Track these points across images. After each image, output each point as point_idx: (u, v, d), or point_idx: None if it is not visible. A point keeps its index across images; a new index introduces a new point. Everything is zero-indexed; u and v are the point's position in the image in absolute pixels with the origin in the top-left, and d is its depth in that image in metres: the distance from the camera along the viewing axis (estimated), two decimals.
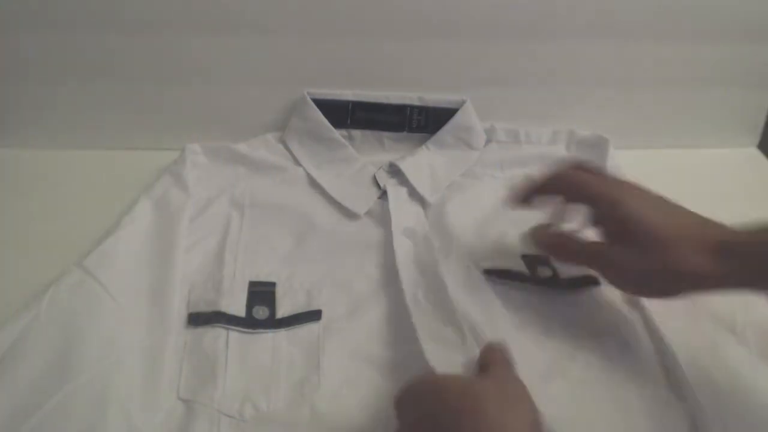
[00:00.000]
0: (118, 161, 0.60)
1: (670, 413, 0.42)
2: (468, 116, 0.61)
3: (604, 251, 0.43)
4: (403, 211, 0.55)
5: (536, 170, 0.59)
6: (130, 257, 0.48)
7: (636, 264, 0.41)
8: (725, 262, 0.38)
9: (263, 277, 0.48)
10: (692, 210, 0.43)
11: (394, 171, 0.58)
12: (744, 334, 0.46)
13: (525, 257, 0.51)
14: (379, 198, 0.56)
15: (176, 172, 0.55)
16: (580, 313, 0.48)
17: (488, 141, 0.62)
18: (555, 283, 0.50)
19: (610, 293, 0.49)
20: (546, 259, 0.51)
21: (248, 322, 0.45)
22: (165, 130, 0.62)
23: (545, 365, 0.44)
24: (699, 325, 0.47)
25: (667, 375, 0.44)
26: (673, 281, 0.40)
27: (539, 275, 0.50)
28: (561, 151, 0.62)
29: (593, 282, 0.50)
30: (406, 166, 0.57)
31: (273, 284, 0.48)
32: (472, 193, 0.58)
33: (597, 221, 0.44)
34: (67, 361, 0.40)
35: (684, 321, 0.47)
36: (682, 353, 0.44)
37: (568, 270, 0.51)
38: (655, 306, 0.48)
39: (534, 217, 0.55)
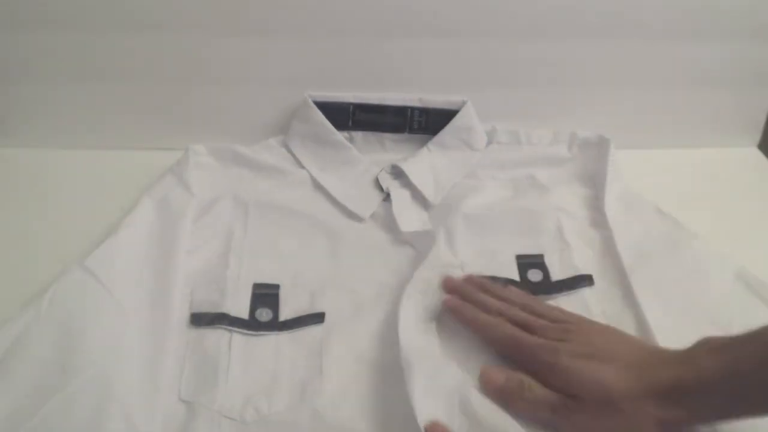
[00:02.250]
0: (119, 161, 0.60)
1: None
2: (469, 117, 0.61)
3: (564, 413, 0.39)
4: (406, 215, 0.55)
5: (537, 171, 0.60)
6: (132, 257, 0.48)
7: (594, 427, 0.38)
8: (678, 407, 0.36)
9: (267, 279, 0.48)
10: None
11: (397, 173, 0.58)
12: None
13: (519, 257, 0.52)
14: (383, 200, 0.56)
15: (179, 172, 0.55)
16: None
17: (489, 142, 0.62)
18: (545, 287, 0.50)
19: (601, 295, 0.49)
20: (539, 262, 0.51)
21: (251, 324, 0.45)
22: (165, 130, 0.62)
23: None
24: (695, 327, 0.46)
25: None
26: None
27: (529, 279, 0.50)
28: (563, 152, 0.62)
29: (584, 284, 0.50)
30: (409, 167, 0.57)
31: (277, 286, 0.48)
32: (476, 194, 0.58)
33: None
34: (67, 361, 0.40)
35: (680, 323, 0.46)
36: None
37: (559, 273, 0.51)
38: (651, 306, 0.47)
39: (533, 216, 0.55)
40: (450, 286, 0.48)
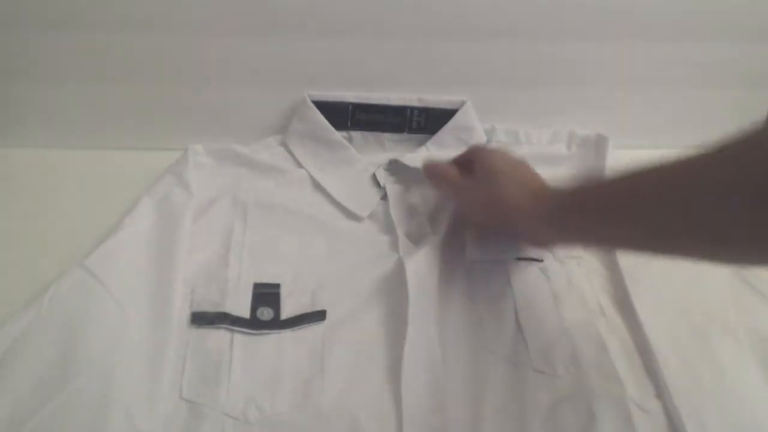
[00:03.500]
0: (119, 161, 0.60)
1: (637, 418, 0.42)
2: (468, 117, 0.61)
3: (461, 182, 0.49)
4: (402, 211, 0.55)
5: (536, 170, 0.60)
6: (132, 257, 0.48)
7: (476, 193, 0.48)
8: (541, 204, 0.44)
9: (268, 279, 0.49)
10: None
11: (393, 169, 0.58)
12: (736, 332, 0.46)
13: (519, 260, 0.52)
14: (381, 199, 0.56)
15: (178, 172, 0.55)
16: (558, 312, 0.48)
17: (488, 142, 0.62)
18: None
19: (593, 296, 0.50)
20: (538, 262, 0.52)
21: (253, 323, 0.45)
22: (165, 130, 0.62)
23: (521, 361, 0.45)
24: (690, 321, 0.47)
25: (647, 372, 0.44)
26: (503, 213, 0.46)
27: None
28: (562, 151, 0.62)
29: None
30: (407, 162, 0.57)
31: (278, 286, 0.48)
32: None
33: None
34: (68, 361, 0.40)
35: (674, 317, 0.47)
36: (669, 350, 0.44)
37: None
38: (644, 303, 0.48)
39: None
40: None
